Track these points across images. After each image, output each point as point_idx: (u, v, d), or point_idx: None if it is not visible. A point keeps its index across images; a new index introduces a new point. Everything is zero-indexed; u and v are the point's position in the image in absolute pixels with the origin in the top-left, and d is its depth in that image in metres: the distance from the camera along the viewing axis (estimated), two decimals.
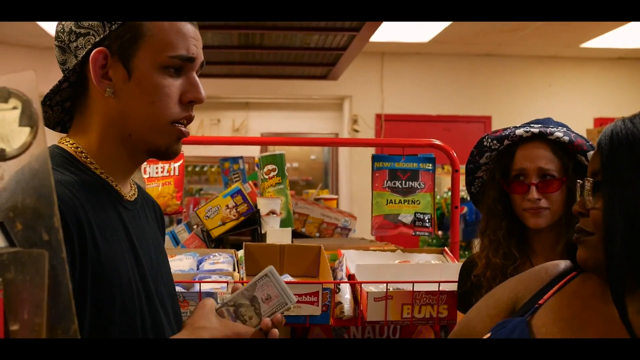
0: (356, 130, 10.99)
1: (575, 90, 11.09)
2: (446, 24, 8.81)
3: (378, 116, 11.05)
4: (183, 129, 1.74)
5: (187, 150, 9.68)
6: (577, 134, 2.49)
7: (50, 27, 8.35)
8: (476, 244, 2.73)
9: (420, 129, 10.46)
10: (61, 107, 1.77)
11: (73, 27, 1.67)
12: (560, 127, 2.50)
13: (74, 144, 1.72)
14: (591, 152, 2.37)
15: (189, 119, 1.75)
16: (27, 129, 1.16)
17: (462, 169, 2.92)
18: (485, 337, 1.58)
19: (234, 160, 4.52)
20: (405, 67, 10.99)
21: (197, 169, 11.88)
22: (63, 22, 1.70)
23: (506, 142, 2.53)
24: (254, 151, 10.35)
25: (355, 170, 10.78)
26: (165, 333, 1.76)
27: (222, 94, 11.38)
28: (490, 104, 10.99)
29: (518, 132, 2.49)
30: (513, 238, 2.53)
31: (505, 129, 2.54)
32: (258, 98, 11.69)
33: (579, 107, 10.78)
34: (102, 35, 1.65)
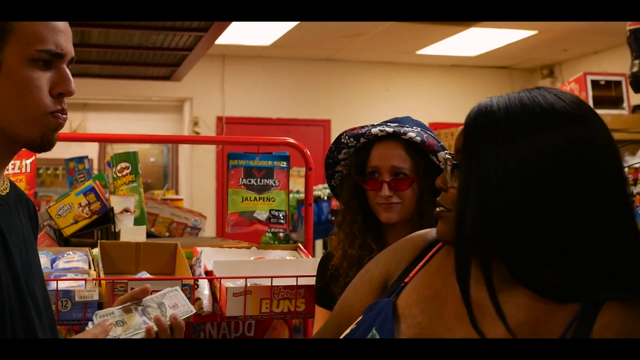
0: (197, 132, 10.95)
1: (411, 95, 11.42)
2: (287, 28, 8.91)
3: (219, 118, 11.04)
4: (60, 116, 1.73)
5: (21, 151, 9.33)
6: (430, 135, 2.58)
7: None
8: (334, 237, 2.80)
9: (261, 131, 10.51)
10: None
11: None
12: (415, 127, 2.58)
13: None
14: (441, 153, 2.48)
15: (62, 112, 1.74)
16: None
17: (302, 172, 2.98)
18: (358, 320, 1.62)
19: (80, 160, 4.44)
20: (246, 70, 11.03)
21: (41, 171, 11.55)
22: None
23: (362, 139, 2.61)
24: (92, 152, 10.15)
25: (196, 172, 10.75)
26: (36, 328, 1.74)
27: None
28: (329, 107, 11.18)
29: (374, 130, 2.57)
30: (369, 231, 2.61)
31: (363, 127, 2.61)
32: (96, 99, 11.45)
33: (415, 112, 10.93)
34: None
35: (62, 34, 1.71)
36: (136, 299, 1.90)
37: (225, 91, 11.02)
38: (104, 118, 11.72)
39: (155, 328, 1.81)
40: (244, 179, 3.33)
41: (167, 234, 4.14)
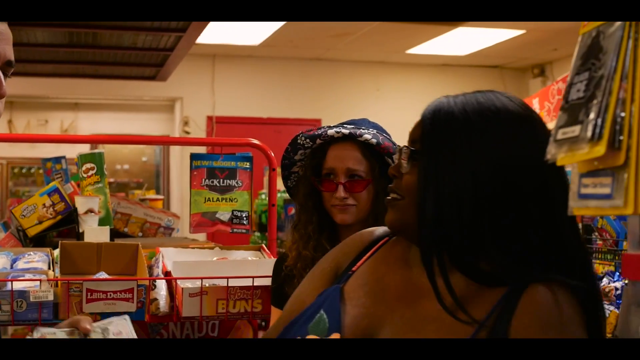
0: (187, 132, 10.98)
1: (402, 95, 11.42)
2: (275, 27, 8.92)
3: (209, 118, 11.07)
4: None
5: (14, 151, 9.35)
6: (387, 137, 2.59)
7: None
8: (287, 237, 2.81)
9: (252, 130, 10.51)
10: None
11: None
12: (371, 129, 2.58)
13: None
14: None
15: None
16: None
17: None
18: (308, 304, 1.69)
19: (57, 160, 4.45)
20: (236, 69, 11.05)
21: (24, 170, 11.57)
22: None
23: (318, 141, 2.61)
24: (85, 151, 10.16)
25: (186, 172, 10.75)
26: None
27: (50, 94, 11.15)
28: (320, 107, 11.18)
29: (330, 132, 2.57)
30: (324, 232, 2.62)
31: (319, 128, 2.62)
32: (88, 98, 11.49)
33: (405, 111, 11.00)
34: None
35: None
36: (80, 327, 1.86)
37: (216, 91, 11.04)
38: (96, 117, 11.75)
39: None
40: (207, 180, 3.35)
41: (140, 234, 4.15)
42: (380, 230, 1.82)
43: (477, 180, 1.49)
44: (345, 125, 2.62)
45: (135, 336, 1.81)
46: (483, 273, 1.50)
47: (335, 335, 1.53)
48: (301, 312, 1.68)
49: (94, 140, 6.79)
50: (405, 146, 1.61)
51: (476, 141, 1.51)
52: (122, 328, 1.79)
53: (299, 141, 2.67)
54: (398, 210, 1.61)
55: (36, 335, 1.74)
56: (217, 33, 9.08)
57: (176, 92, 11.00)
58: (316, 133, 2.61)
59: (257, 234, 7.24)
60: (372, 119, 2.74)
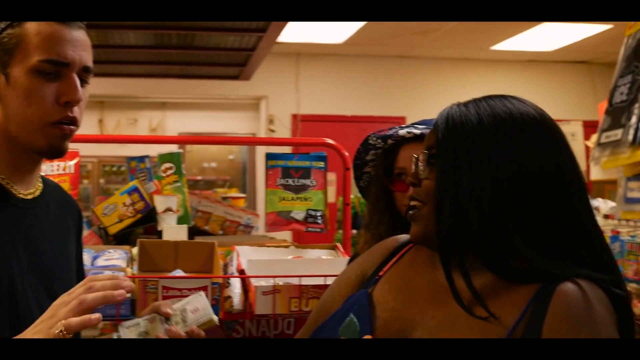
0: (272, 130, 11.07)
1: (487, 91, 10.84)
2: (359, 26, 8.94)
3: (294, 116, 11.14)
4: (65, 127, 1.79)
5: (104, 149, 9.55)
6: None
7: None
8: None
9: (336, 129, 10.54)
10: None
11: None
12: None
13: None
14: None
15: (70, 119, 1.80)
16: None
17: None
18: (334, 310, 1.72)
19: (141, 159, 4.53)
20: (320, 67, 11.10)
21: (115, 168, 11.82)
22: None
23: (390, 141, 2.61)
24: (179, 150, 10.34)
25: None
26: None
27: (139, 94, 11.37)
28: (404, 104, 11.14)
29: (401, 132, 2.56)
30: (396, 232, 2.62)
31: (390, 129, 2.62)
32: (175, 98, 11.68)
33: None
34: None
35: (68, 44, 1.77)
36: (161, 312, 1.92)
37: (300, 89, 11.11)
38: (183, 116, 11.94)
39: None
40: (282, 179, 3.39)
41: (220, 232, 4.23)
42: (404, 237, 1.87)
43: (495, 178, 1.51)
44: (416, 126, 2.61)
45: (210, 309, 1.87)
46: (514, 270, 1.50)
47: (368, 337, 1.56)
48: (329, 316, 1.71)
49: (179, 141, 6.92)
50: (421, 152, 1.65)
51: (491, 141, 1.53)
52: (198, 304, 1.87)
53: (370, 142, 2.67)
54: (420, 221, 1.64)
55: (121, 330, 1.82)
56: (301, 32, 9.14)
57: (261, 91, 11.11)
58: (387, 133, 2.61)
59: (342, 231, 7.26)
60: None
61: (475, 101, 1.62)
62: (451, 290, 1.52)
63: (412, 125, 2.63)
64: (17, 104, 1.75)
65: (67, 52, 1.76)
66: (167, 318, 1.81)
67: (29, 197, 1.86)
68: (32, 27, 1.74)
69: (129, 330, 1.83)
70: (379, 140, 2.63)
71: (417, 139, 2.55)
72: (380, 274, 1.77)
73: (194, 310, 1.86)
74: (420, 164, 1.64)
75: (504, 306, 1.47)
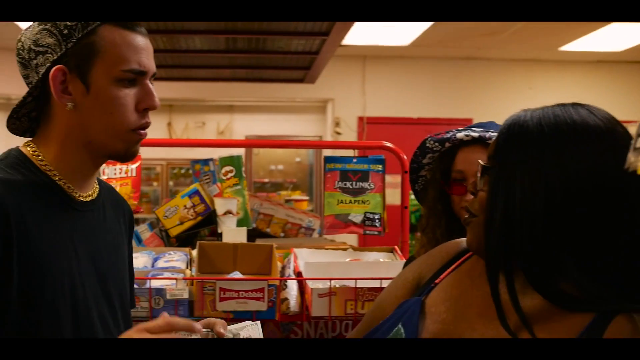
0: (338, 133, 11.10)
1: (555, 93, 11.17)
2: (425, 27, 8.91)
3: (360, 119, 11.16)
4: (141, 132, 1.87)
5: (173, 152, 9.66)
6: None
7: None
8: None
9: (402, 131, 10.54)
10: (28, 117, 1.89)
11: (32, 46, 1.80)
12: None
13: (33, 147, 1.86)
14: None
15: (145, 126, 1.88)
16: None
17: None
18: (386, 317, 1.70)
19: (205, 162, 4.59)
20: (386, 70, 11.10)
21: (183, 171, 11.96)
22: (22, 40, 1.83)
23: (447, 144, 2.60)
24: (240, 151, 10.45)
25: None
26: (97, 326, 1.87)
27: (207, 97, 11.50)
28: (471, 106, 11.08)
29: (459, 135, 2.56)
30: (453, 236, 2.61)
31: (447, 132, 2.61)
32: (242, 101, 11.79)
33: None
34: (59, 53, 1.78)
35: (143, 52, 1.84)
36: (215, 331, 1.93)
37: (366, 92, 11.13)
38: (250, 119, 12.04)
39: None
40: (340, 182, 3.41)
41: (282, 234, 4.27)
42: (464, 242, 1.77)
43: (550, 194, 1.44)
44: (473, 129, 2.60)
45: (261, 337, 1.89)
46: (563, 295, 1.45)
47: None
48: (381, 322, 1.69)
49: (243, 144, 6.98)
50: (480, 162, 1.60)
51: (549, 155, 1.46)
52: (252, 333, 1.87)
53: (427, 145, 2.66)
54: (473, 230, 1.59)
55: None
56: (366, 34, 9.14)
57: (328, 94, 11.15)
58: (445, 137, 2.60)
59: None
60: None
61: (543, 109, 1.54)
62: (497, 311, 1.48)
63: (470, 127, 2.62)
64: (99, 112, 1.81)
65: (144, 60, 1.84)
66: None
67: (88, 199, 1.91)
68: (107, 36, 1.79)
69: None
70: (436, 144, 2.63)
71: (475, 142, 2.54)
72: (437, 281, 1.72)
73: (247, 337, 1.88)
74: (479, 174, 1.59)
75: (553, 333, 1.43)
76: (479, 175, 1.59)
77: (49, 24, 1.79)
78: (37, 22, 1.81)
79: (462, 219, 2.54)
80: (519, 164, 1.48)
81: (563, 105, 1.54)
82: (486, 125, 2.63)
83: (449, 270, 1.74)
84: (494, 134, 2.51)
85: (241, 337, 1.84)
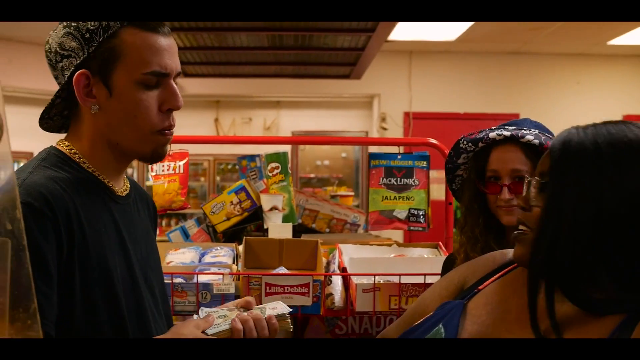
0: (384, 128, 11.11)
1: (603, 87, 11.11)
2: (471, 22, 8.89)
3: (406, 114, 11.16)
4: (167, 133, 1.90)
5: (220, 148, 9.73)
6: (549, 136, 2.55)
7: None
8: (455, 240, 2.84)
9: (448, 126, 10.51)
10: (60, 116, 1.95)
11: (57, 49, 1.85)
12: (533, 130, 2.57)
13: (69, 145, 1.91)
14: None
15: (170, 127, 1.91)
16: None
17: None
18: (427, 315, 1.73)
19: (251, 158, 4.63)
20: (432, 65, 11.09)
21: (230, 166, 12.05)
22: (49, 42, 1.88)
23: (480, 144, 2.62)
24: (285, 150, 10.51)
25: None
26: (149, 316, 1.93)
27: (254, 93, 11.58)
28: (518, 101, 11.02)
29: (492, 135, 2.57)
30: (491, 234, 2.62)
31: (481, 132, 2.62)
32: (288, 97, 11.84)
33: (607, 104, 10.81)
34: (82, 57, 1.82)
35: (165, 53, 1.87)
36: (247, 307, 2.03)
37: (412, 87, 11.12)
38: (296, 115, 12.09)
39: (246, 317, 1.92)
40: (385, 179, 3.44)
41: (327, 229, 4.30)
42: (511, 253, 1.79)
43: (600, 210, 1.46)
44: (507, 127, 2.60)
45: (288, 311, 1.98)
46: (596, 302, 1.48)
47: None
48: (422, 320, 1.72)
49: (288, 141, 7.03)
50: (533, 177, 1.61)
51: (606, 173, 1.47)
52: (277, 305, 1.99)
53: (461, 145, 2.68)
54: (525, 245, 1.60)
55: (201, 314, 1.93)
56: (413, 30, 9.15)
57: (374, 89, 11.17)
58: (478, 136, 2.62)
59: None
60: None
61: (595, 126, 1.54)
62: (530, 316, 1.51)
63: (503, 126, 2.63)
64: (123, 114, 1.85)
65: (166, 62, 1.86)
66: (245, 310, 1.95)
67: (124, 194, 1.98)
68: (128, 39, 1.83)
69: (204, 312, 1.95)
70: (470, 144, 2.64)
71: (507, 140, 2.55)
72: (480, 287, 1.76)
73: (272, 308, 1.96)
74: (532, 189, 1.60)
75: (583, 336, 1.46)
76: (533, 190, 1.60)
77: (72, 27, 1.83)
78: (61, 24, 1.85)
79: (500, 218, 2.57)
80: (576, 182, 1.50)
81: (614, 122, 1.55)
82: (519, 123, 2.63)
83: (493, 278, 1.77)
84: (526, 132, 2.52)
85: (267, 308, 1.95)
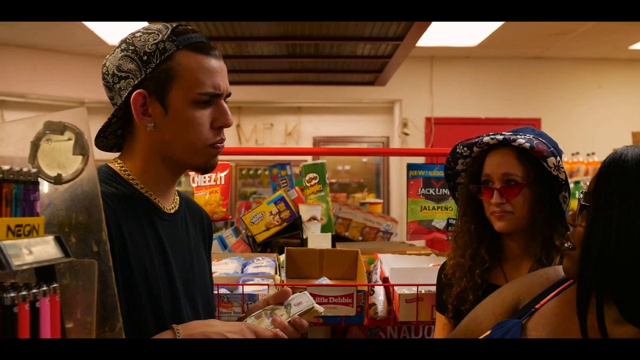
0: (406, 134, 11.14)
1: (624, 92, 11.08)
2: (493, 27, 8.91)
3: (428, 119, 11.18)
4: (219, 146, 2.01)
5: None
6: (542, 141, 2.54)
7: (105, 36, 8.64)
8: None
9: (470, 131, 10.43)
10: (114, 135, 2.05)
11: (115, 71, 1.95)
12: (528, 135, 2.56)
13: (120, 163, 2.01)
14: (551, 158, 2.46)
15: (221, 141, 2.02)
16: (79, 157, 1.38)
17: None
18: (484, 335, 1.75)
19: (282, 166, 4.68)
20: (454, 70, 11.11)
21: (251, 172, 12.09)
22: (107, 65, 1.98)
23: (475, 148, 2.64)
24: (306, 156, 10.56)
25: (403, 174, 10.86)
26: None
27: (275, 99, 11.62)
28: (539, 106, 11.03)
29: (485, 139, 2.58)
30: (484, 242, 2.62)
31: (477, 137, 2.64)
32: (310, 102, 11.87)
33: (628, 109, 10.80)
34: (139, 78, 1.92)
35: (218, 75, 1.98)
36: (279, 301, 2.09)
37: (434, 92, 11.14)
38: (318, 120, 12.12)
39: (279, 333, 1.98)
40: (423, 189, 3.48)
41: (360, 237, 4.34)
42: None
43: None
44: (503, 133, 2.59)
45: (313, 301, 2.05)
46: None
47: None
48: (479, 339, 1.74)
49: (310, 152, 7.07)
50: (580, 197, 1.64)
51: None
52: (301, 299, 2.06)
53: (457, 150, 2.70)
54: (571, 260, 1.64)
55: (249, 321, 2.01)
56: (435, 35, 9.17)
57: (395, 95, 11.19)
58: (473, 141, 2.64)
59: None
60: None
61: None
62: (581, 332, 1.55)
63: (502, 133, 2.60)
64: (177, 131, 1.95)
65: (219, 83, 1.97)
66: (272, 311, 2.03)
67: (172, 211, 2.06)
68: (183, 61, 1.92)
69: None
70: (465, 149, 2.67)
71: (500, 145, 2.57)
72: (537, 306, 1.77)
73: (297, 304, 2.04)
74: (578, 208, 1.63)
75: None
76: (579, 209, 1.63)
77: (129, 50, 1.93)
78: (119, 48, 1.95)
79: (493, 224, 2.55)
80: (617, 202, 1.53)
81: None
82: (520, 130, 2.63)
83: (549, 296, 1.79)
84: (519, 137, 2.51)
85: (292, 305, 2.02)
